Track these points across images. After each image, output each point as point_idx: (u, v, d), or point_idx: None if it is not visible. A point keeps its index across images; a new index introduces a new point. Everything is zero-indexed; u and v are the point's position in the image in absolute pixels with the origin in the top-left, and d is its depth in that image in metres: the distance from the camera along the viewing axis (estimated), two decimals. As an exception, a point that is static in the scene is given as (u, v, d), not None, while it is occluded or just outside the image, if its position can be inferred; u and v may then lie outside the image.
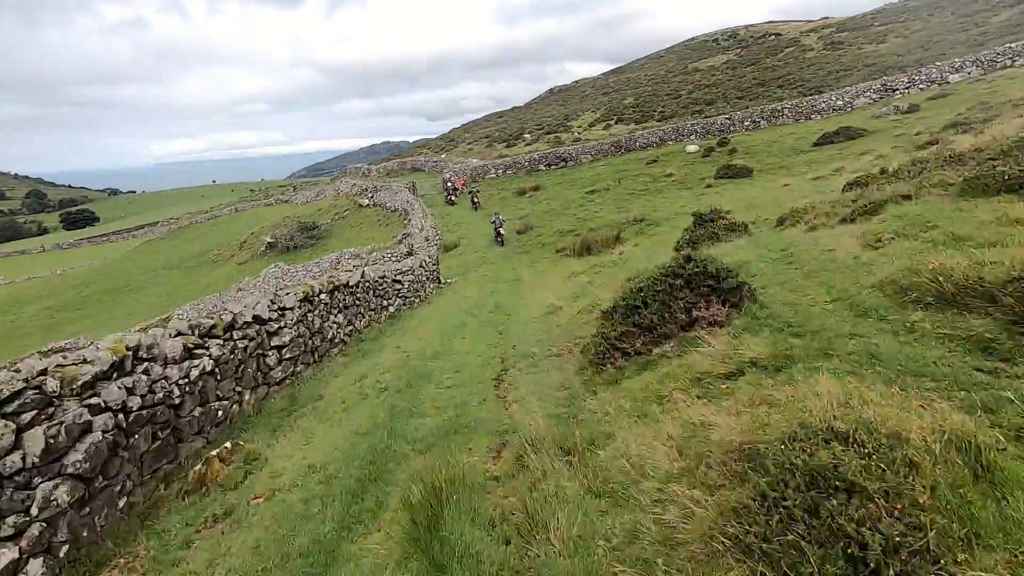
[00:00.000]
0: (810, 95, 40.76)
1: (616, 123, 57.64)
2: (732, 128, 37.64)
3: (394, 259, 23.57)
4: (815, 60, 60.84)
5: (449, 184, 38.80)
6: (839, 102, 35.86)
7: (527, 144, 56.94)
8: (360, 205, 46.68)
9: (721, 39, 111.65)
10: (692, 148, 34.48)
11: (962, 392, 3.05)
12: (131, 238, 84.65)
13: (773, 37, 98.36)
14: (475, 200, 34.57)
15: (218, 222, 70.55)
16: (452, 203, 37.96)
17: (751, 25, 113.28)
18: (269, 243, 45.10)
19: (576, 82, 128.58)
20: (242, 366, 6.68)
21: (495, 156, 43.39)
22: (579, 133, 56.01)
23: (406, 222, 35.17)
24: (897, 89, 34.84)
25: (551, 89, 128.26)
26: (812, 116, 36.15)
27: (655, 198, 27.55)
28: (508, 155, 43.93)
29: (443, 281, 20.21)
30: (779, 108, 37.43)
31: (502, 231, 27.09)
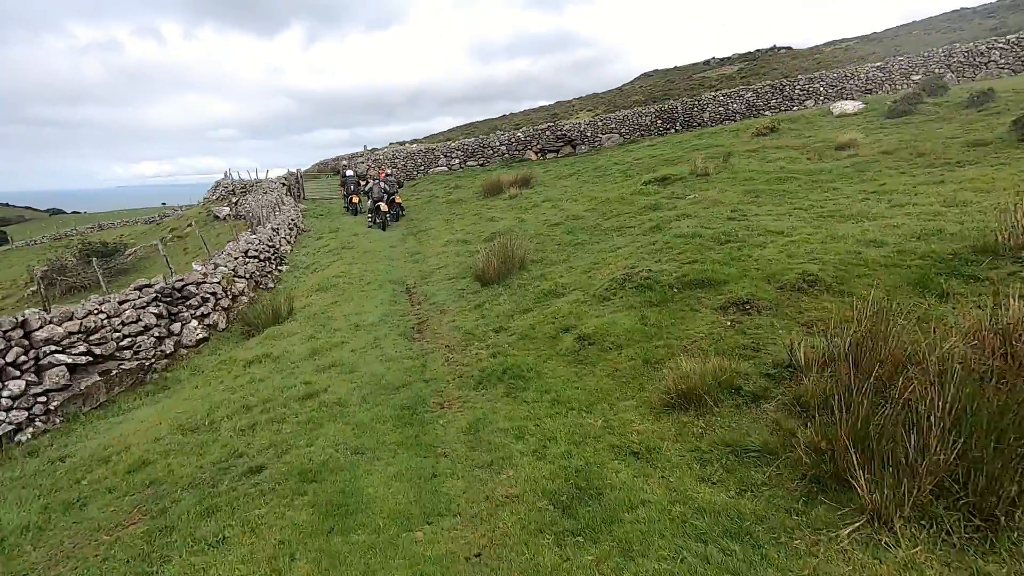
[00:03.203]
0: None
1: (631, 115, 40.02)
2: (892, 83, 20.01)
3: None
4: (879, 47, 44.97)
5: (350, 175, 19.83)
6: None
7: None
8: (216, 216, 27.24)
9: (713, 62, 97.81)
10: (850, 107, 16.67)
11: None
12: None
13: (784, 50, 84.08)
14: (380, 206, 15.68)
15: (59, 243, 49.90)
16: (356, 211, 19.01)
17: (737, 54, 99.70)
18: (40, 278, 24.99)
19: (558, 102, 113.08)
20: None
21: (453, 148, 25.17)
22: (580, 124, 37.98)
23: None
24: None
25: (527, 109, 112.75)
26: (1051, 62, 18.74)
27: (891, 187, 9.10)
28: (470, 144, 25.65)
29: None
30: (980, 50, 20.01)
31: (383, 206, 15.66)
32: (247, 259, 11.13)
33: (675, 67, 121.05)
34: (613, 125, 23.11)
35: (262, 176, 26.36)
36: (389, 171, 18.26)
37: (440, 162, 24.72)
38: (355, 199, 18.73)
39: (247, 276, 10.56)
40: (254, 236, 12.50)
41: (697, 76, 79.19)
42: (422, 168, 24.95)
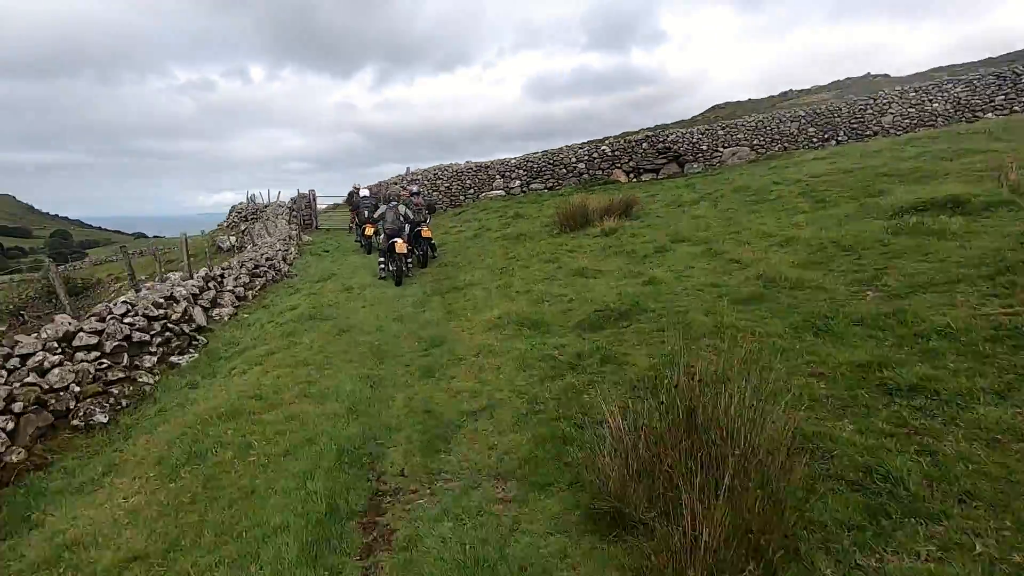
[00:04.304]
0: None
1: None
2: None
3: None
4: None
5: (365, 195, 13.91)
6: None
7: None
8: (219, 247, 22.41)
9: (791, 93, 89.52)
10: None
11: None
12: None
13: (881, 76, 74.73)
14: (396, 243, 9.66)
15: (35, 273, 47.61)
16: (371, 248, 13.04)
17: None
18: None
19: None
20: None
21: (512, 164, 19.04)
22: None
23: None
24: None
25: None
26: None
27: None
28: (535, 159, 19.39)
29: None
30: None
31: (399, 244, 9.59)
32: (60, 357, 5.03)
33: (748, 99, 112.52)
34: (740, 135, 16.31)
35: (274, 199, 21.17)
36: (415, 189, 12.11)
37: (495, 183, 18.64)
38: (368, 230, 12.69)
39: (24, 406, 4.41)
40: (124, 302, 6.46)
41: (783, 104, 71.01)
42: (472, 191, 18.95)
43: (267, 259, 11.30)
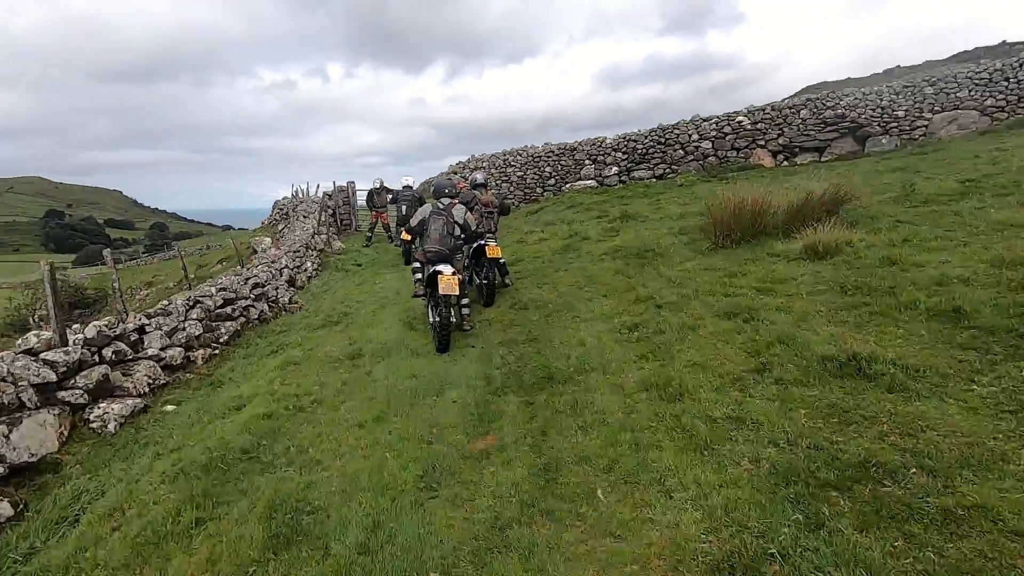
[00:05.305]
0: None
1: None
2: None
3: None
4: None
5: (408, 184, 9.87)
6: None
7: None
8: (254, 250, 19.42)
9: (898, 71, 77.80)
10: None
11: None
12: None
13: (1018, 45, 62.40)
14: (440, 274, 5.29)
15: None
16: (408, 253, 8.86)
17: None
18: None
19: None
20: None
21: (608, 146, 14.48)
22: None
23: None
24: None
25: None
26: None
27: None
28: (638, 138, 14.68)
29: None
30: None
31: (445, 275, 5.13)
32: None
33: (847, 77, 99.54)
34: (962, 93, 10.84)
35: (312, 193, 17.72)
36: (481, 178, 7.51)
37: (584, 171, 14.10)
38: (407, 237, 8.64)
39: None
40: None
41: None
42: (552, 182, 14.53)
43: (255, 286, 7.46)
